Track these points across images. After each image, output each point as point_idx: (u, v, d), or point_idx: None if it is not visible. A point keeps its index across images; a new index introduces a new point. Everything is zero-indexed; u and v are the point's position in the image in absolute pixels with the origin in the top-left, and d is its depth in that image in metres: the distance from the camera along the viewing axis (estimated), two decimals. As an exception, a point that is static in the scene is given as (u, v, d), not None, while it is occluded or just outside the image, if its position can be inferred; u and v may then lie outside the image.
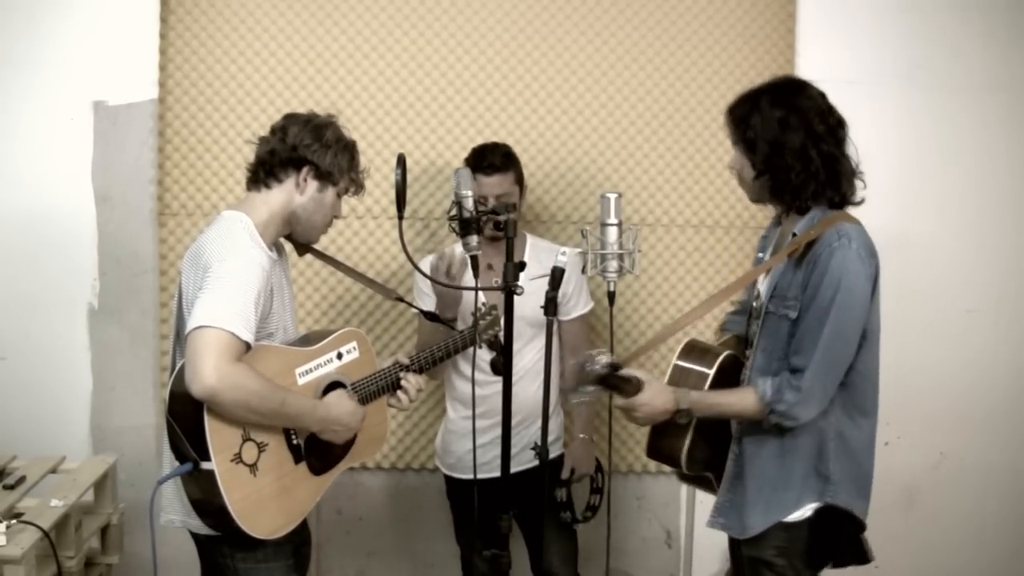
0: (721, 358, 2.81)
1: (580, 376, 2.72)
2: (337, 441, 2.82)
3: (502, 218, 2.74)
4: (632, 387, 2.71)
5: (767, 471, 2.75)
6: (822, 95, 2.70)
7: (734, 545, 2.93)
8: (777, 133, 2.63)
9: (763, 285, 2.84)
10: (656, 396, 2.69)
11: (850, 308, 2.60)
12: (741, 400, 2.70)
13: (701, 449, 2.81)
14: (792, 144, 2.63)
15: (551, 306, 2.69)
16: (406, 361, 3.04)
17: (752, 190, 2.77)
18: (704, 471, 2.88)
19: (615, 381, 2.72)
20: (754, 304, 2.88)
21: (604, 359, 2.71)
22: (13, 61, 3.84)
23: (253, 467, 2.62)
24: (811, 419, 2.67)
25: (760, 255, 2.96)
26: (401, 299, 3.26)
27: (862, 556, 2.78)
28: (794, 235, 2.69)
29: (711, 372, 2.79)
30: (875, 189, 2.82)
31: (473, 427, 3.06)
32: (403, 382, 3.01)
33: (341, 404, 2.79)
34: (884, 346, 2.78)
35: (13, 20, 3.83)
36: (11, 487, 3.27)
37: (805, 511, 2.73)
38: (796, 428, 2.68)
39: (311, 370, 2.79)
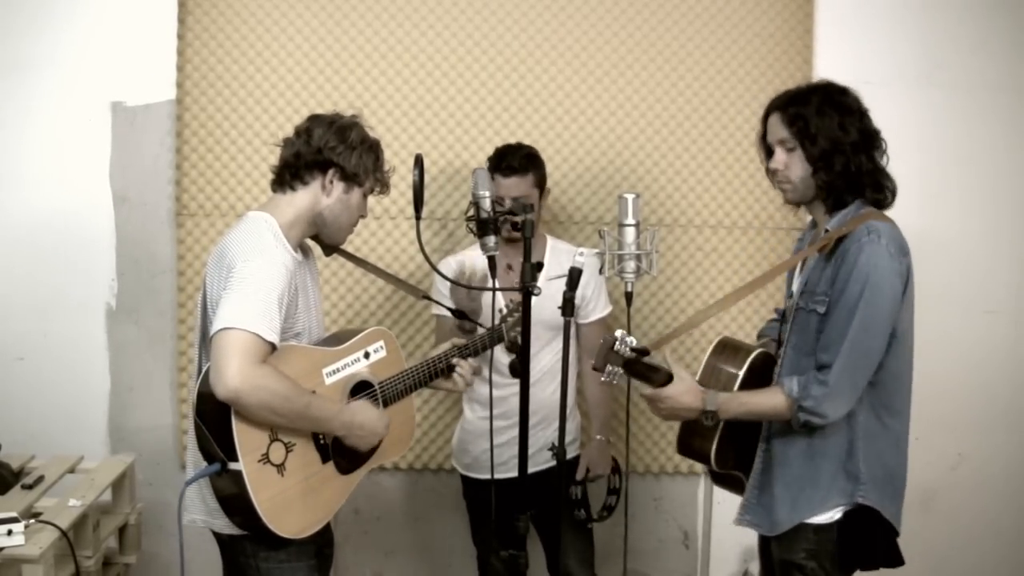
0: (752, 356, 2.81)
1: (607, 356, 2.63)
2: (362, 448, 2.81)
3: (519, 219, 2.72)
4: (661, 377, 2.69)
5: (795, 470, 2.75)
6: (857, 99, 2.74)
7: (765, 546, 2.93)
8: (837, 130, 2.66)
9: (796, 285, 2.84)
10: (684, 393, 2.68)
11: (878, 304, 2.60)
12: (770, 400, 2.69)
13: (730, 448, 2.81)
14: (850, 141, 2.66)
15: (568, 307, 2.68)
16: (455, 347, 3.07)
17: (797, 190, 2.76)
18: (735, 469, 2.88)
19: (641, 368, 2.68)
20: (787, 304, 2.87)
21: (631, 341, 2.64)
22: (32, 63, 3.84)
23: (281, 467, 2.62)
24: (839, 417, 2.66)
25: None
26: (428, 297, 3.26)
27: (895, 558, 2.77)
28: (826, 231, 2.71)
29: (741, 372, 2.78)
30: (894, 190, 2.83)
31: (491, 428, 3.05)
32: (458, 368, 3.04)
33: (366, 410, 2.78)
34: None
35: (31, 22, 3.83)
36: (29, 487, 3.27)
37: (834, 513, 2.72)
38: (825, 428, 2.68)
39: (338, 370, 2.79)
